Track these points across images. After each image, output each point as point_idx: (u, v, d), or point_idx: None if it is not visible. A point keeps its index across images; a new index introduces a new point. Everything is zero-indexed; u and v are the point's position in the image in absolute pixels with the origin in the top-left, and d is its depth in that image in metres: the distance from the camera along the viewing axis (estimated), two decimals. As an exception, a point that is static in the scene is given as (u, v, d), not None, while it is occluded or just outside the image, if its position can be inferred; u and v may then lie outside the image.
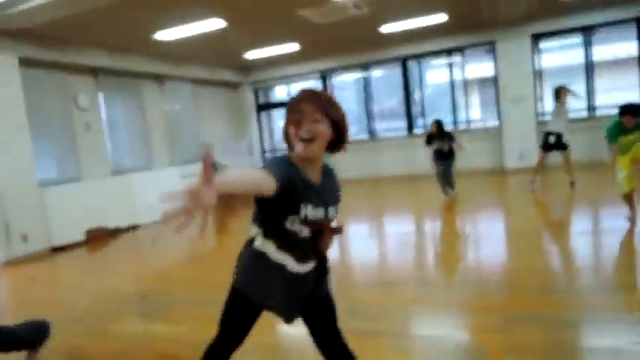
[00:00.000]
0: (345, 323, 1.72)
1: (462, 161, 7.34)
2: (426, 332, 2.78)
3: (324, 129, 1.42)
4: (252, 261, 1.55)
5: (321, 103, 1.43)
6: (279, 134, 11.25)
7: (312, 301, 1.61)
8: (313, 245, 1.49)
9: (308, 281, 1.57)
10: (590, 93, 8.73)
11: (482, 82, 12.29)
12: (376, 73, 10.74)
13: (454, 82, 9.70)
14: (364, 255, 4.71)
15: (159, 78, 8.78)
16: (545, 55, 9.11)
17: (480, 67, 10.68)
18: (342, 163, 9.67)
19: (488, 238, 4.90)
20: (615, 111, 4.52)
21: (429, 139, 6.75)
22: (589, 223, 5.20)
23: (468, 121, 9.99)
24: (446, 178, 6.77)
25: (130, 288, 4.33)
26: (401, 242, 5.12)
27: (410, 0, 6.49)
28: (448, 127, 7.46)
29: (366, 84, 10.49)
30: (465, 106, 10.06)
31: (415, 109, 10.15)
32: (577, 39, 8.82)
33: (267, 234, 1.49)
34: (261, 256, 1.52)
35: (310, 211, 1.42)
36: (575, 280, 3.42)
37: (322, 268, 1.62)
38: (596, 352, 2.34)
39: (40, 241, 5.98)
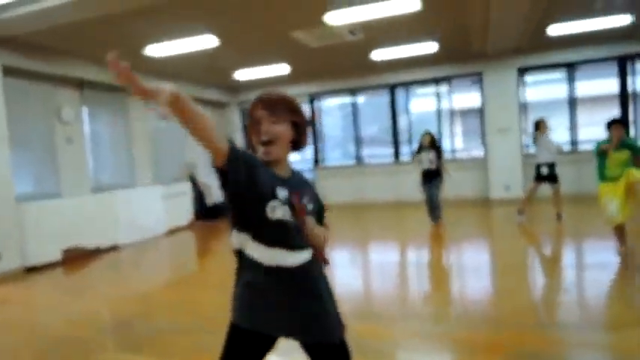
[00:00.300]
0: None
1: (448, 190, 7.35)
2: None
3: (282, 129, 1.41)
4: (242, 282, 1.43)
5: (275, 105, 1.42)
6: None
7: (327, 350, 1.46)
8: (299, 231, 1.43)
9: (308, 278, 1.44)
10: (573, 127, 8.94)
11: (466, 112, 12.51)
12: (360, 98, 10.80)
13: (440, 111, 9.82)
14: (356, 286, 4.60)
15: (146, 94, 8.61)
16: (530, 88, 9.33)
17: (465, 97, 10.87)
18: (329, 188, 9.61)
19: (479, 271, 4.84)
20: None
21: (420, 149, 6.82)
22: (580, 257, 5.22)
23: (453, 150, 10.08)
24: (433, 203, 6.76)
25: (110, 313, 4.10)
26: (393, 274, 5.02)
27: (404, 28, 6.55)
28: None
29: (354, 109, 10.53)
30: (450, 135, 10.18)
31: (401, 137, 10.21)
32: (561, 74, 9.07)
33: (254, 235, 1.38)
34: (251, 266, 1.39)
35: (285, 195, 1.39)
36: (571, 316, 3.36)
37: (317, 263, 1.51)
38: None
39: (13, 259, 5.66)
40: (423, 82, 9.92)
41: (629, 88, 8.54)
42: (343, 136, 12.51)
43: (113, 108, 7.96)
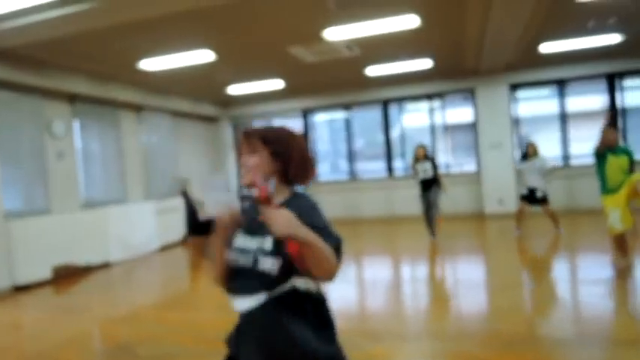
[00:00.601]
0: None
1: (444, 205, 7.36)
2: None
3: (256, 160, 1.39)
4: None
5: (254, 136, 1.41)
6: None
7: None
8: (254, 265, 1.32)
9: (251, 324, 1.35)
10: (564, 142, 9.06)
11: (455, 127, 12.60)
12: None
13: (434, 126, 9.88)
14: (359, 303, 4.52)
15: (138, 108, 8.51)
16: (521, 103, 9.45)
17: (454, 113, 10.95)
18: (323, 203, 9.50)
19: (480, 287, 4.81)
20: (588, 160, 4.64)
21: (415, 161, 6.93)
22: (581, 271, 5.21)
23: (447, 165, 10.13)
24: (430, 214, 6.79)
25: (106, 336, 3.94)
26: (396, 290, 4.96)
27: (401, 45, 6.59)
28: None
29: (347, 125, 10.53)
30: (444, 150, 10.23)
31: (394, 151, 10.23)
32: (551, 90, 9.22)
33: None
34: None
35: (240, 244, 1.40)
36: (575, 332, 3.33)
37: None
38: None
39: (2, 278, 5.45)
40: (416, 98, 9.99)
41: (618, 104, 8.71)
42: (333, 150, 12.51)
43: (105, 122, 7.82)
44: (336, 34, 5.74)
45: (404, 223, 8.92)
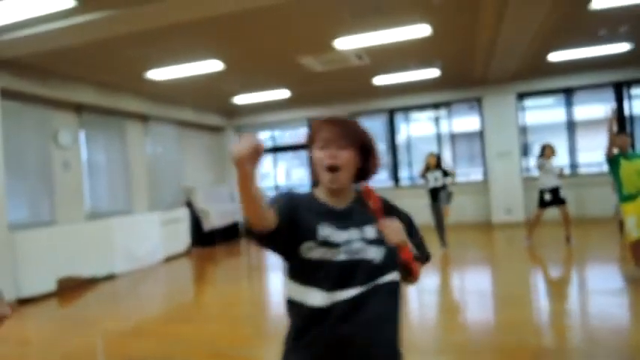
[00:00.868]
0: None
1: (451, 214, 7.30)
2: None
3: (349, 156, 1.30)
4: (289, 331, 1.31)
5: (347, 128, 1.31)
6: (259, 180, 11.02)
7: None
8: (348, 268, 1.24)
9: (332, 318, 1.22)
10: (572, 150, 8.99)
11: (461, 136, 12.54)
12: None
13: (440, 135, 9.82)
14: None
15: (144, 118, 8.46)
16: (529, 112, 9.40)
17: (460, 122, 10.89)
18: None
19: (491, 299, 4.70)
20: (596, 169, 4.61)
21: (426, 169, 6.90)
22: (596, 282, 5.10)
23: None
24: (440, 222, 6.76)
25: (117, 350, 3.84)
26: (417, 303, 4.86)
27: (409, 53, 6.55)
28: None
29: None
30: (452, 159, 10.15)
31: (400, 161, 10.16)
32: (559, 99, 9.18)
33: (290, 274, 1.31)
34: (291, 306, 1.30)
35: (330, 232, 1.26)
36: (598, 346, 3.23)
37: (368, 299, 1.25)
38: None
39: (6, 291, 5.32)
40: (422, 107, 9.94)
41: (626, 112, 8.66)
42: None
43: (111, 132, 7.77)
44: (347, 43, 5.70)
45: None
